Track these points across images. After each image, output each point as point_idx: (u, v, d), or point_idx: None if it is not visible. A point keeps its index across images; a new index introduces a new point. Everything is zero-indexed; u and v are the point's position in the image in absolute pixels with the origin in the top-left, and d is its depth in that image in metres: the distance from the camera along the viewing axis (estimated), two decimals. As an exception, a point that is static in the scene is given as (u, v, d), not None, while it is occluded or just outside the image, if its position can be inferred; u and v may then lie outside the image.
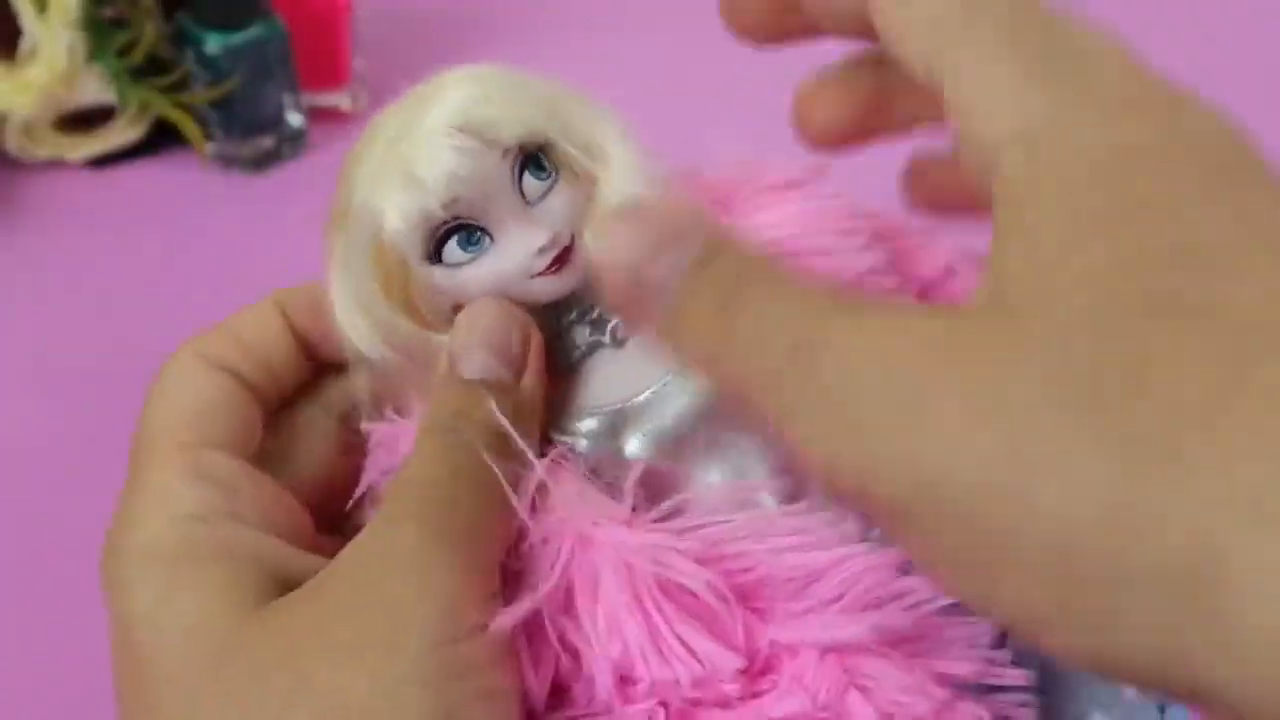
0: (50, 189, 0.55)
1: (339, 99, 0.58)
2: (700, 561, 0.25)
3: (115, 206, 0.55)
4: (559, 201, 0.28)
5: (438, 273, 0.28)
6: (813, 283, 0.21)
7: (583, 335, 0.29)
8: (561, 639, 0.25)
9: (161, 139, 0.56)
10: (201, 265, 0.51)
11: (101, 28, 0.53)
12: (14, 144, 0.55)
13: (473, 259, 0.28)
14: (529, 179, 0.28)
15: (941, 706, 0.26)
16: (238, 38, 0.52)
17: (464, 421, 0.26)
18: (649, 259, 0.22)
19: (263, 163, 0.56)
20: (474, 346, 0.27)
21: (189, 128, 0.54)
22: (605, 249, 0.22)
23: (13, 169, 0.56)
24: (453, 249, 0.27)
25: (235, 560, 0.25)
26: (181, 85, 0.54)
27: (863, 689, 0.25)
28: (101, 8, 0.53)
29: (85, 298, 0.50)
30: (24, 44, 0.52)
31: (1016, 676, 0.27)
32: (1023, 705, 0.27)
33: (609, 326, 0.29)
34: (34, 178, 0.56)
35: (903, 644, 0.26)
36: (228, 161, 0.56)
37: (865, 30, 0.24)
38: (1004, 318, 0.19)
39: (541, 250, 0.27)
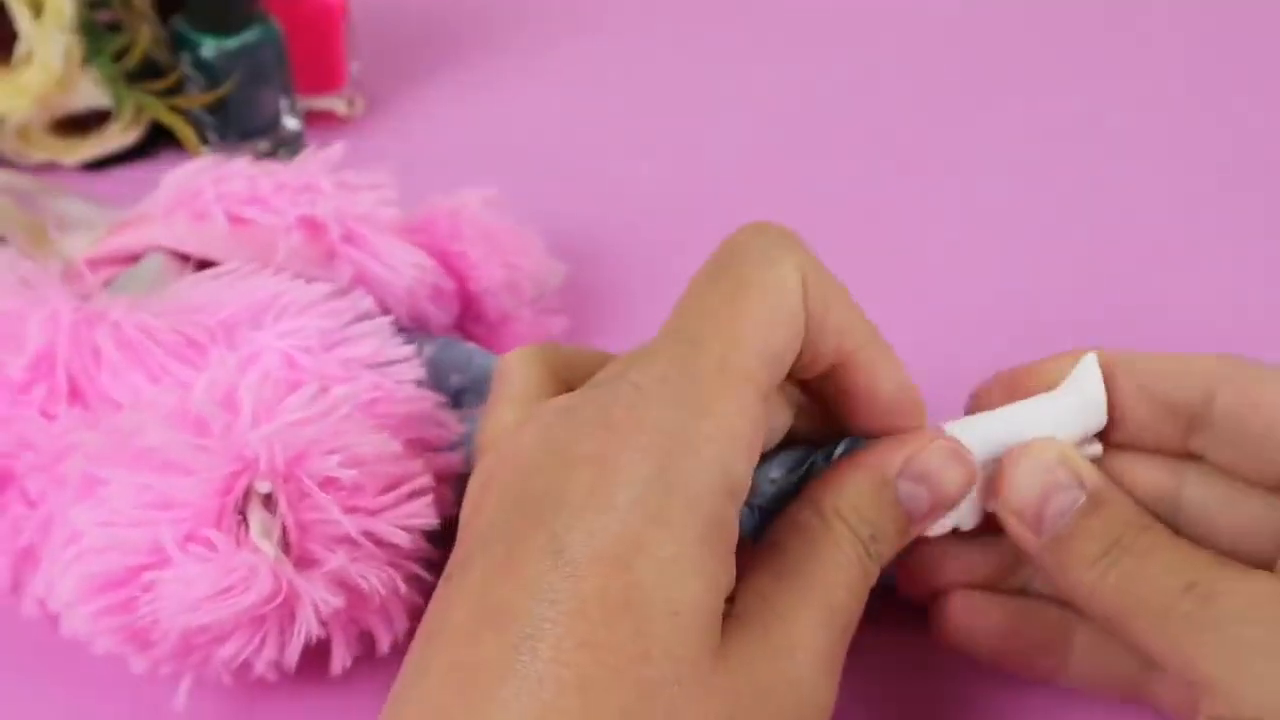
0: (46, 193, 0.55)
1: (335, 103, 0.58)
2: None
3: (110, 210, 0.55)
4: None
5: None
6: (1189, 542, 0.28)
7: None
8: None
9: (157, 143, 0.56)
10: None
11: (97, 32, 0.53)
12: (9, 147, 0.55)
13: None
14: None
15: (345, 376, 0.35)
16: (233, 42, 0.52)
17: None
18: (1044, 500, 0.28)
19: (258, 166, 0.56)
20: None
21: (184, 132, 0.54)
22: (1013, 488, 0.28)
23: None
24: None
25: None
26: (177, 89, 0.54)
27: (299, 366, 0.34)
28: (97, 11, 0.53)
29: (80, 301, 0.50)
30: (19, 48, 0.52)
31: (406, 353, 0.36)
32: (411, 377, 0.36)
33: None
34: (29, 181, 0.56)
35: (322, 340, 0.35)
36: (223, 165, 0.56)
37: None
38: None
39: None
